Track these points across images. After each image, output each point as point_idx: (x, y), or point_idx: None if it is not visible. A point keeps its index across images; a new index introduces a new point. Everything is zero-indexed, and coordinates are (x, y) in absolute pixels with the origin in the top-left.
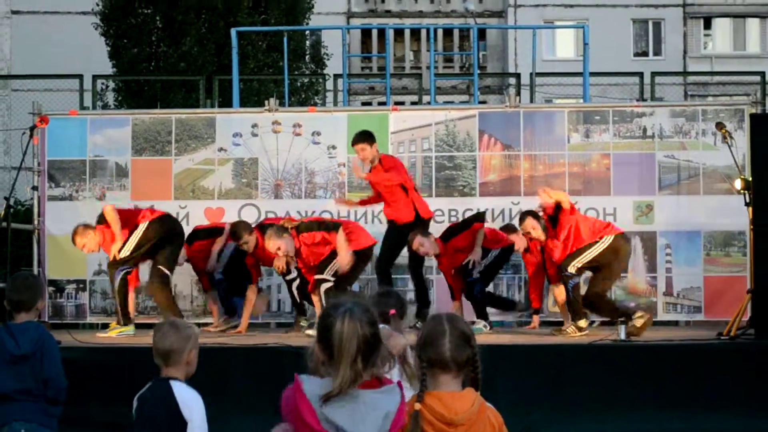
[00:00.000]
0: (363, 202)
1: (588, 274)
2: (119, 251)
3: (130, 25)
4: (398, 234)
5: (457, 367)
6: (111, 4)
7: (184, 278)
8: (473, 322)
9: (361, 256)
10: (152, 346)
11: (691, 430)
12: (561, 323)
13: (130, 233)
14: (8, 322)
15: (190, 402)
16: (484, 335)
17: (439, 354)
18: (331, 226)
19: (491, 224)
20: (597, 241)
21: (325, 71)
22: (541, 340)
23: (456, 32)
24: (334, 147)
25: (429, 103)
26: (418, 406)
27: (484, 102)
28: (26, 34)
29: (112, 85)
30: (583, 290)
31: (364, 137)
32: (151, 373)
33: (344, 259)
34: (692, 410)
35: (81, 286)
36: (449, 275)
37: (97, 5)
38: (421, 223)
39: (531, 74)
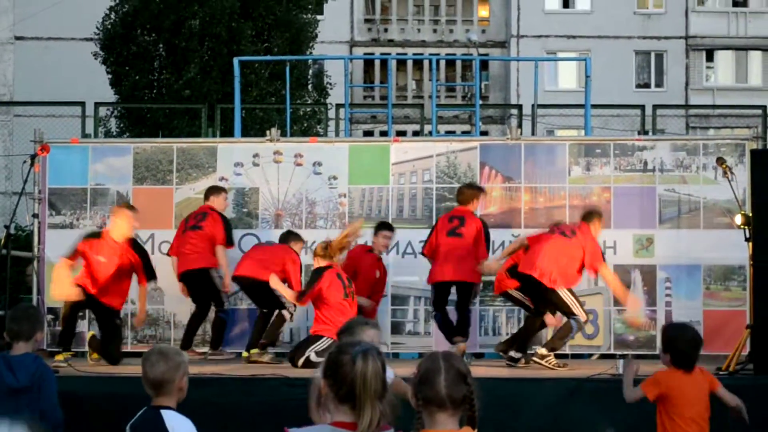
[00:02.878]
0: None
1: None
2: None
3: (132, 53)
4: None
5: (454, 405)
6: (110, 32)
7: (183, 308)
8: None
9: None
10: (142, 375)
11: None
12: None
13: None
14: (6, 353)
15: (181, 429)
16: (484, 368)
17: (435, 392)
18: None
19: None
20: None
21: (327, 100)
22: (540, 374)
23: (458, 62)
24: (335, 177)
25: (431, 132)
26: None
27: (485, 132)
28: (29, 60)
29: (114, 112)
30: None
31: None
32: (148, 402)
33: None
34: None
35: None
36: None
37: (96, 34)
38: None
39: (533, 105)
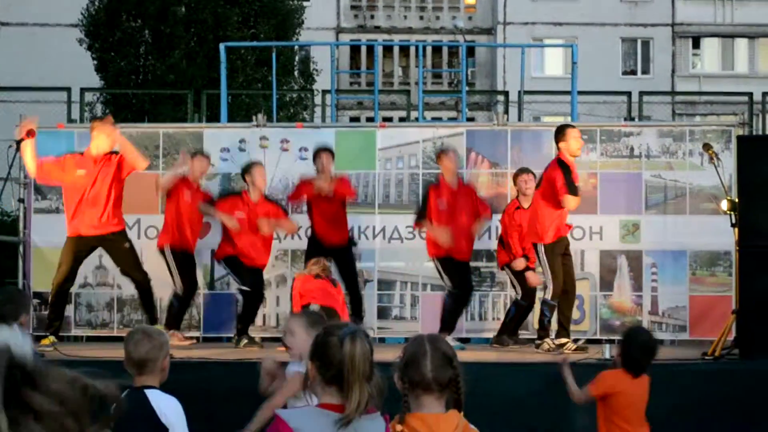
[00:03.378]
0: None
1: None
2: None
3: (117, 39)
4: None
5: (440, 388)
6: (94, 18)
7: (166, 290)
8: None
9: None
10: (125, 355)
11: None
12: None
13: None
14: None
15: (168, 408)
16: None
17: (421, 375)
18: None
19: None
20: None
21: (314, 86)
22: (526, 358)
23: (445, 49)
24: None
25: (417, 119)
26: (399, 428)
27: (472, 119)
28: (14, 46)
29: (100, 98)
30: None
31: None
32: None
33: None
34: (675, 429)
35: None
36: None
37: (81, 22)
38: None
39: (519, 92)
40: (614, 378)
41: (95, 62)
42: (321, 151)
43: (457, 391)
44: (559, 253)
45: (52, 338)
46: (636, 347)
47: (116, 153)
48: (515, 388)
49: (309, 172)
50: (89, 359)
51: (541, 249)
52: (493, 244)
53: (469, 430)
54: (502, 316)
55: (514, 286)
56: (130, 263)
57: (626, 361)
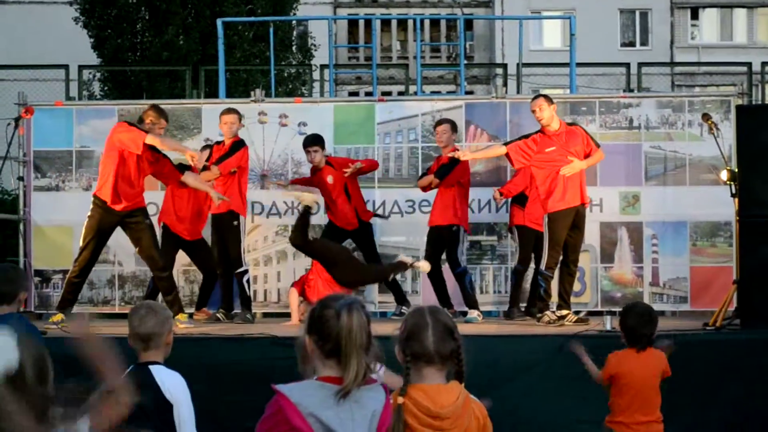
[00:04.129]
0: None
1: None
2: None
3: (114, 15)
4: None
5: (441, 360)
6: None
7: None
8: (465, 312)
9: None
10: (129, 331)
11: (675, 420)
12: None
13: None
14: None
15: (172, 384)
16: (472, 325)
17: (423, 347)
18: None
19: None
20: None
21: (312, 61)
22: (527, 331)
23: (443, 22)
24: None
25: (416, 93)
26: (401, 399)
27: (470, 92)
28: (11, 24)
29: (98, 75)
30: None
31: (322, 141)
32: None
33: None
34: (677, 400)
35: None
36: None
37: (76, 1)
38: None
39: (518, 64)
40: (618, 358)
41: (92, 40)
42: (308, 146)
43: (458, 362)
44: (566, 225)
45: (61, 315)
46: (633, 317)
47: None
48: (516, 360)
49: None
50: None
51: (545, 217)
52: (493, 217)
53: (469, 401)
54: (503, 290)
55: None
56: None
57: (627, 335)
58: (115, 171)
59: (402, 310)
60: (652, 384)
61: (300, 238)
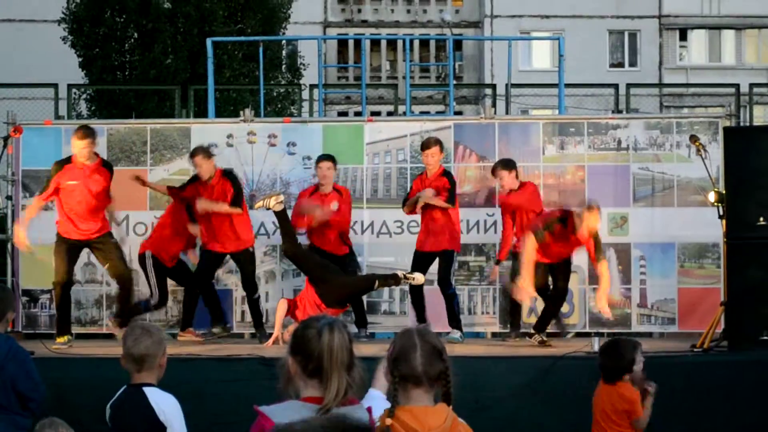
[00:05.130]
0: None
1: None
2: None
3: (102, 34)
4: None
5: (429, 382)
6: (77, 14)
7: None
8: (448, 332)
9: None
10: (123, 352)
11: None
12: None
13: None
14: None
15: (166, 406)
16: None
17: (411, 368)
18: None
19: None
20: None
21: (301, 81)
22: (515, 352)
23: (432, 43)
24: (308, 158)
25: (405, 113)
26: (389, 421)
27: (459, 112)
28: (1, 42)
29: (84, 95)
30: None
31: (334, 159)
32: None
33: None
34: (665, 421)
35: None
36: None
37: (64, 20)
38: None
39: (507, 85)
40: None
41: (80, 59)
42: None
43: (446, 384)
44: None
45: (67, 337)
46: (601, 351)
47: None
48: (504, 382)
49: (296, 166)
50: (84, 356)
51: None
52: (482, 238)
53: (457, 423)
54: (491, 311)
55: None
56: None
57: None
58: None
59: (364, 333)
60: (611, 418)
61: (289, 243)
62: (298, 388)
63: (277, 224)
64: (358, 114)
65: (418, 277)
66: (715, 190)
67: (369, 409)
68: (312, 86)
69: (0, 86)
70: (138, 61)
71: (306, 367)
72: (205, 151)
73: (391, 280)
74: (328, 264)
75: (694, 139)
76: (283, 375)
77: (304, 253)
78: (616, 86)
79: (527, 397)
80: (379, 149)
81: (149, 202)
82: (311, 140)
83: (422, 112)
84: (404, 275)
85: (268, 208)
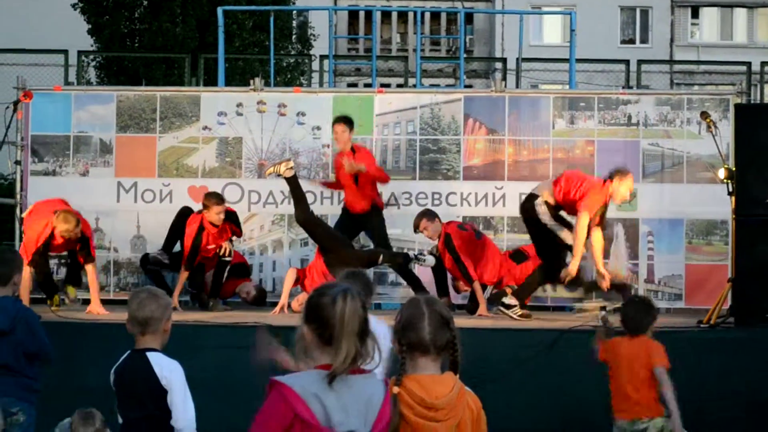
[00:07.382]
0: (327, 185)
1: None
2: None
3: (111, 2)
4: (353, 221)
5: (437, 351)
6: None
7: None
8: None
9: None
10: (128, 315)
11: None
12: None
13: None
14: None
15: (168, 371)
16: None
17: (419, 337)
18: None
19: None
20: None
21: (311, 52)
22: (521, 324)
23: (443, 15)
24: (318, 128)
25: (415, 85)
26: (396, 389)
27: (469, 86)
28: (11, 9)
29: (93, 62)
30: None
31: (348, 121)
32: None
33: None
34: None
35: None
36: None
37: None
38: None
39: (517, 59)
40: (612, 343)
41: (89, 26)
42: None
43: (453, 353)
44: None
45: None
46: (629, 305)
47: None
48: (510, 354)
49: (306, 136)
50: (90, 322)
51: None
52: (490, 211)
53: (464, 392)
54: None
55: None
56: None
57: (623, 322)
58: None
59: None
60: (637, 370)
61: (300, 210)
62: (312, 357)
63: (287, 195)
64: (368, 86)
65: (429, 260)
66: (725, 166)
67: (386, 381)
68: (322, 57)
69: (10, 52)
70: (146, 29)
71: (322, 334)
72: (218, 197)
73: (399, 258)
74: (337, 234)
75: (704, 115)
76: (299, 344)
77: (315, 220)
78: (627, 62)
79: (533, 371)
80: (389, 120)
81: (158, 169)
82: (321, 110)
83: (432, 85)
84: (416, 256)
85: (279, 175)
